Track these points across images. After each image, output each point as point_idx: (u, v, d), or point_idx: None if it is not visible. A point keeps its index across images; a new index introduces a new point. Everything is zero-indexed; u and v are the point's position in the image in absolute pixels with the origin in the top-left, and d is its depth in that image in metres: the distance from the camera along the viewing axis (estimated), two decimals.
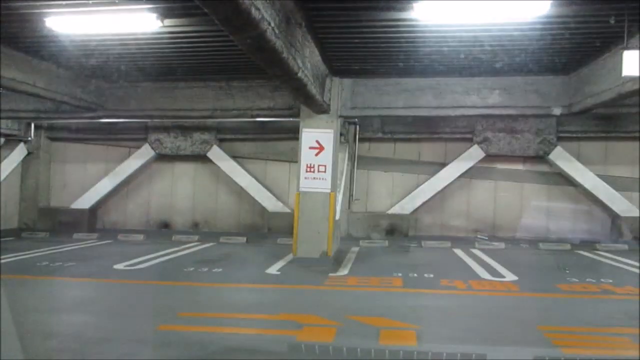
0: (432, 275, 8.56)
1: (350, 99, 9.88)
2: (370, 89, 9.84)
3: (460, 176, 13.81)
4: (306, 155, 9.67)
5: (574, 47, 8.37)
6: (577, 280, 8.26)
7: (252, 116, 10.32)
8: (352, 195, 13.94)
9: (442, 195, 13.99)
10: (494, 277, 8.47)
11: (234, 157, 14.74)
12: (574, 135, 13.52)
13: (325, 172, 9.67)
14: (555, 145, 13.41)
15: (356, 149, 13.83)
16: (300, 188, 9.73)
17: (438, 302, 6.85)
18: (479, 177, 14.10)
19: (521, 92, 9.50)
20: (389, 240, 13.11)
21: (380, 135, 14.08)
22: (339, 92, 9.81)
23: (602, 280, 8.24)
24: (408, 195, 13.97)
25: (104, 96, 10.45)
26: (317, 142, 9.66)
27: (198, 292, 7.37)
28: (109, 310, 6.29)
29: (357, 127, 13.61)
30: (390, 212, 14.00)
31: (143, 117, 11.33)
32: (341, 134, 12.84)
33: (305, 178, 9.71)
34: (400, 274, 8.60)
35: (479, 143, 13.69)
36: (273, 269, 9.09)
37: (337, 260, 9.94)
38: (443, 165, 13.94)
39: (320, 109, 9.35)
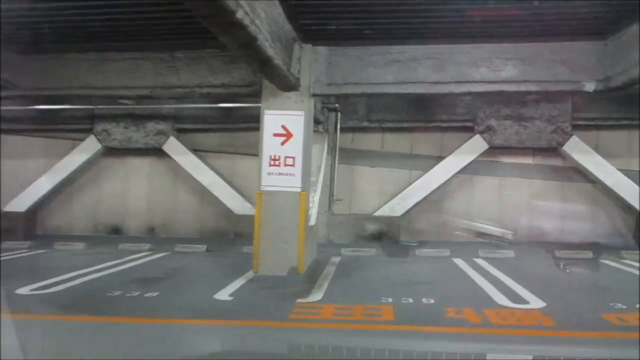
0: (432, 301, 6.50)
1: (325, 73, 7.75)
2: (351, 60, 7.73)
3: (459, 172, 11.86)
4: (269, 145, 7.55)
5: (614, 3, 6.39)
6: (624, 306, 6.23)
7: (202, 94, 8.15)
8: (333, 194, 11.87)
9: (438, 194, 11.98)
10: (514, 304, 6.41)
11: (195, 151, 12.71)
12: (592, 123, 11.67)
13: (294, 165, 7.56)
14: (570, 135, 11.50)
15: (337, 140, 11.74)
16: (261, 187, 7.61)
17: (448, 350, 4.76)
18: (482, 173, 12.15)
19: (544, 63, 7.44)
20: (376, 247, 11.03)
21: (366, 123, 12.07)
22: (311, 63, 7.69)
23: None
24: (399, 194, 11.94)
25: (13, 70, 8.19)
26: (284, 127, 7.54)
27: (103, 335, 5.18)
28: None
29: (339, 113, 11.54)
30: (378, 214, 11.96)
31: (65, 96, 9.11)
32: (319, 122, 10.79)
33: (269, 174, 7.59)
34: (390, 299, 6.53)
35: (481, 133, 11.75)
36: (225, 293, 6.97)
37: (311, 278, 7.84)
38: (439, 159, 11.98)
39: (287, 84, 7.22)
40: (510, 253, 10.44)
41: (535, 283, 7.61)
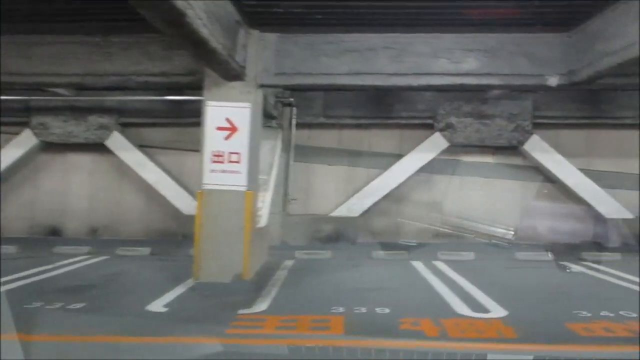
0: (387, 310, 5.98)
1: (274, 62, 7.11)
2: (302, 48, 7.12)
3: (419, 170, 11.39)
4: (212, 139, 6.87)
5: None
6: (589, 314, 5.88)
7: (139, 83, 7.40)
8: (288, 194, 11.25)
9: (397, 193, 11.49)
10: (474, 312, 5.96)
11: (141, 147, 11.87)
12: (552, 121, 11.39)
13: (239, 162, 6.91)
14: (531, 134, 11.21)
15: (292, 136, 11.13)
16: (203, 185, 6.94)
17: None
18: (442, 172, 11.70)
19: (506, 55, 7.01)
20: (332, 249, 10.46)
21: (322, 120, 11.47)
22: (259, 50, 7.05)
23: (622, 313, 5.90)
24: (356, 194, 11.40)
25: None
26: (228, 120, 6.88)
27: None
28: None
29: (294, 108, 10.92)
30: (334, 214, 11.39)
31: None
32: (273, 117, 10.16)
33: (212, 171, 6.92)
34: (342, 309, 5.99)
35: (441, 130, 11.35)
36: (160, 303, 6.29)
37: (258, 285, 7.22)
38: (398, 157, 11.49)
39: (230, 72, 6.58)
40: (469, 255, 10.05)
41: (496, 288, 7.24)
